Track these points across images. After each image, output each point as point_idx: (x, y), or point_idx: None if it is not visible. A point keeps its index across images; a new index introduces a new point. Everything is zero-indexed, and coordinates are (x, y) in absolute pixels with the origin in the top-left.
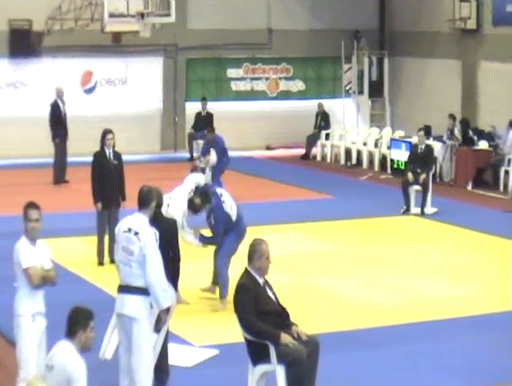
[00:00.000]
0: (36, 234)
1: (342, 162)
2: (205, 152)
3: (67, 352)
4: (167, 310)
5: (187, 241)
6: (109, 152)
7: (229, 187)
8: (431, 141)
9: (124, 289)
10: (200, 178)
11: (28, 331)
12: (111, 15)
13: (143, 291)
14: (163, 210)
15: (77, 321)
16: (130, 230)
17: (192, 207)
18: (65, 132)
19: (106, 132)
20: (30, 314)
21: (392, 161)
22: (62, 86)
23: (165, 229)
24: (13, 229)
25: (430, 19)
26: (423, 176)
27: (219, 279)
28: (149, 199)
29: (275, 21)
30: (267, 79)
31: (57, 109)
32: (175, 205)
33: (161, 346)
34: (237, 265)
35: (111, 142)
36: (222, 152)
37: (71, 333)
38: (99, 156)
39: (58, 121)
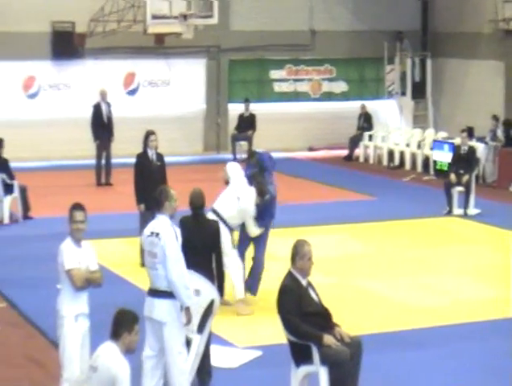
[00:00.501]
0: (81, 235)
1: (385, 163)
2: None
3: (111, 354)
4: (211, 309)
5: (252, 231)
6: (151, 153)
7: None
8: (473, 143)
9: (153, 292)
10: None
11: (71, 332)
12: (154, 17)
13: (171, 294)
14: (233, 204)
15: (122, 323)
16: (152, 233)
17: (261, 192)
18: (109, 134)
19: (149, 133)
20: (74, 315)
21: (435, 162)
22: (106, 88)
23: (208, 231)
24: (56, 231)
25: (472, 20)
26: (465, 177)
27: (259, 275)
28: (162, 200)
29: (318, 22)
30: (310, 80)
31: (99, 111)
32: (245, 196)
33: (204, 347)
34: (275, 266)
35: (154, 144)
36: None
37: (116, 335)
38: (142, 157)
39: (99, 123)
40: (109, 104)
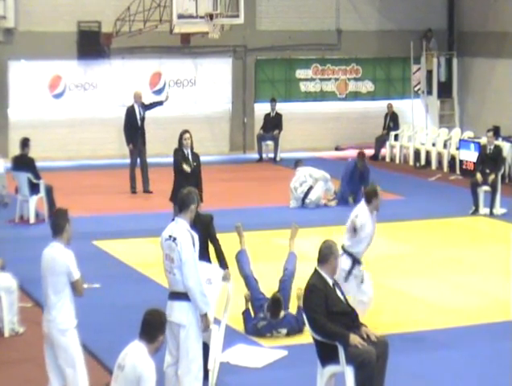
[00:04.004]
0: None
1: (411, 162)
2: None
3: (139, 353)
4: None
5: None
6: (187, 152)
7: None
8: (500, 142)
9: (172, 296)
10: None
11: (76, 341)
12: (180, 16)
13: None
14: None
15: (160, 326)
16: (170, 237)
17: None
18: (142, 138)
19: (183, 132)
20: (74, 326)
21: (461, 161)
22: (140, 90)
23: (201, 224)
24: (82, 231)
25: (499, 19)
26: (492, 177)
27: None
28: (189, 203)
29: (344, 21)
30: (336, 79)
31: (132, 114)
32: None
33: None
34: (304, 266)
35: (188, 142)
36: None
37: (152, 337)
38: (179, 155)
39: (132, 127)
40: (144, 107)
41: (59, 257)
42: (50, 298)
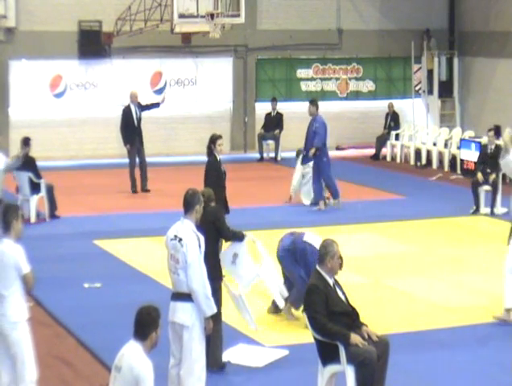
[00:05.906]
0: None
1: (412, 162)
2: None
3: (135, 354)
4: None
5: None
6: (219, 158)
7: None
8: (500, 141)
9: (175, 296)
10: None
11: (27, 335)
12: (181, 16)
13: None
14: None
15: (151, 324)
16: (175, 237)
17: None
18: (140, 138)
19: (217, 137)
20: (25, 319)
21: (462, 161)
22: (136, 90)
23: (207, 217)
24: (83, 230)
25: (500, 19)
26: (492, 176)
27: None
28: (194, 203)
29: (345, 21)
30: (337, 79)
31: (129, 114)
32: None
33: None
34: None
35: (222, 149)
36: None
37: (143, 336)
38: (215, 162)
39: (129, 127)
40: (140, 107)
41: (8, 252)
42: (1, 293)
